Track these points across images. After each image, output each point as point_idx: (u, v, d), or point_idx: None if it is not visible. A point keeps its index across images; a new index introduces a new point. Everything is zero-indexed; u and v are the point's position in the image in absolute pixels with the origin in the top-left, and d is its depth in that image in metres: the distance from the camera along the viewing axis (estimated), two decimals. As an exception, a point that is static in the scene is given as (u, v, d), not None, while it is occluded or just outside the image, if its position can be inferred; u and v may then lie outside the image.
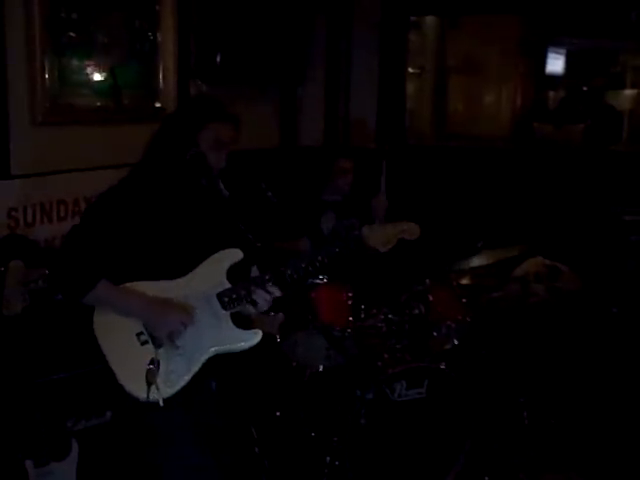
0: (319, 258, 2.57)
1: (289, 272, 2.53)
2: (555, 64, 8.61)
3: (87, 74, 4.04)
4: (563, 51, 8.56)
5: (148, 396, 2.32)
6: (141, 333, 2.45)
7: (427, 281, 3.89)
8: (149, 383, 2.32)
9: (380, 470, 3.46)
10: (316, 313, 3.71)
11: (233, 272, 2.56)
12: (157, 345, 2.43)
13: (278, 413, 3.75)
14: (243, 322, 2.57)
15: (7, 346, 3.08)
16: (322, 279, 3.81)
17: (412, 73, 7.25)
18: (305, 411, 3.68)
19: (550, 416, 4.10)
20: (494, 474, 3.70)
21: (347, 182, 4.32)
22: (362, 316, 3.78)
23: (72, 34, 3.90)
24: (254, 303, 2.53)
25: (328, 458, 3.41)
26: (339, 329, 3.66)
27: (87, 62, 4.03)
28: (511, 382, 4.12)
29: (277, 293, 2.53)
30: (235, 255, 2.56)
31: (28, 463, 2.99)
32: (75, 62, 3.96)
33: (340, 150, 4.52)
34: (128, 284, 2.47)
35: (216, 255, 2.55)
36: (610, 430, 4.01)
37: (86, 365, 3.32)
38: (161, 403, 2.34)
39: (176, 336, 2.44)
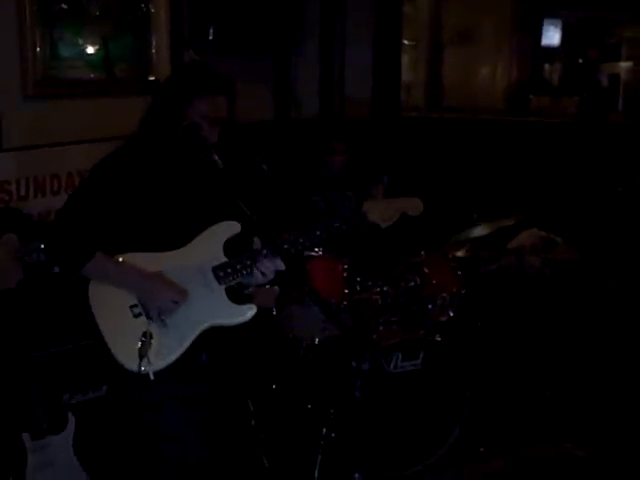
0: (317, 233, 2.55)
1: (286, 246, 2.51)
2: (551, 36, 8.57)
3: (79, 46, 4.01)
4: (559, 23, 8.52)
5: (140, 368, 2.33)
6: (135, 305, 2.44)
7: (422, 253, 3.89)
8: (141, 356, 2.33)
9: (376, 441, 3.48)
10: (312, 286, 3.71)
11: (230, 245, 2.54)
12: (150, 318, 2.42)
13: (274, 386, 3.76)
14: (238, 296, 2.56)
15: (2, 319, 3.07)
16: (317, 252, 3.80)
17: (407, 45, 7.22)
18: (301, 383, 3.69)
19: (545, 387, 4.12)
20: (490, 445, 3.73)
21: (340, 161, 4.29)
22: (357, 289, 3.77)
23: (63, 6, 3.86)
24: (251, 276, 2.51)
25: (324, 430, 3.43)
26: (334, 302, 3.66)
27: (79, 34, 3.99)
28: (506, 354, 4.15)
29: (273, 267, 2.50)
30: (233, 228, 2.53)
31: (25, 436, 3.00)
32: (67, 34, 3.93)
33: (334, 129, 4.47)
34: (124, 255, 2.45)
35: (213, 228, 2.52)
36: (605, 402, 4.04)
37: (81, 339, 3.33)
38: (151, 376, 2.34)
39: (166, 314, 2.43)
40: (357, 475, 2.85)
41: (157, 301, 2.42)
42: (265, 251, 2.49)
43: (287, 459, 3.54)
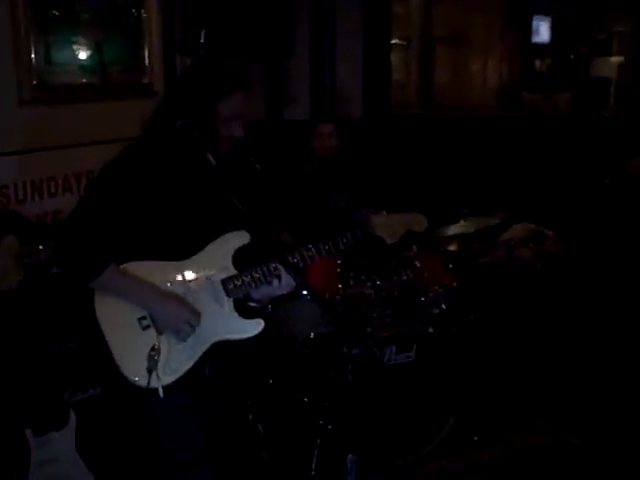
0: (326, 247, 2.54)
1: (295, 260, 2.48)
2: (541, 33, 8.64)
3: (73, 51, 4.08)
4: (548, 20, 8.59)
5: (149, 383, 2.29)
6: (143, 318, 2.37)
7: (414, 248, 3.95)
8: (150, 371, 2.29)
9: (371, 431, 3.55)
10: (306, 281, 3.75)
11: (239, 255, 2.49)
12: (159, 331, 2.37)
13: (271, 381, 3.83)
14: (243, 308, 2.53)
15: (4, 320, 3.13)
16: (311, 248, 3.85)
17: (399, 44, 7.28)
18: (297, 378, 3.76)
19: (537, 377, 4.18)
20: (483, 434, 3.79)
21: (330, 146, 4.32)
22: (351, 283, 3.82)
23: (56, 12, 3.93)
24: (258, 289, 2.50)
25: (321, 422, 3.49)
26: (328, 296, 3.71)
27: (72, 39, 4.06)
28: (498, 345, 4.20)
29: (284, 281, 2.49)
30: (242, 238, 2.48)
31: (28, 432, 3.05)
32: (60, 40, 3.99)
33: (321, 117, 4.52)
34: (133, 263, 2.37)
35: (222, 238, 2.47)
36: (596, 390, 4.10)
37: (81, 338, 3.38)
38: (161, 393, 2.31)
39: (182, 335, 2.38)
40: (350, 456, 2.90)
41: (172, 322, 2.36)
42: (274, 265, 2.46)
43: (285, 451, 3.61)
